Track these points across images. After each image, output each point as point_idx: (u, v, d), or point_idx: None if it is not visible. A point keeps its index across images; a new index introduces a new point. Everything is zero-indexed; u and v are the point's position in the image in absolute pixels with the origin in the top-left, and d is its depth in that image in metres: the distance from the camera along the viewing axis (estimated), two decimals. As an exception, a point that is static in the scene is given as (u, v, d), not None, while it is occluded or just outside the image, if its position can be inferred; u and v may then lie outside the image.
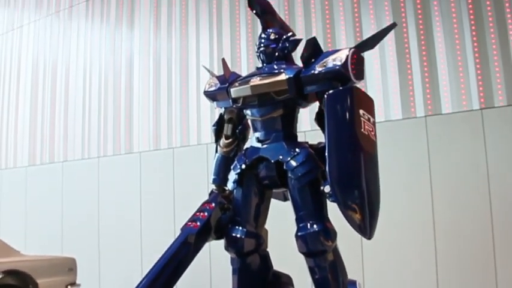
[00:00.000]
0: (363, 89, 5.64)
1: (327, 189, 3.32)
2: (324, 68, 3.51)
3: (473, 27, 5.95)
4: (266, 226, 3.91)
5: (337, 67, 3.45)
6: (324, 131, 3.43)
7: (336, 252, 3.59)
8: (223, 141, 4.06)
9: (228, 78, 3.97)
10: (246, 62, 7.67)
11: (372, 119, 3.44)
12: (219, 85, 4.02)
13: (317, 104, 3.74)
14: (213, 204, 3.72)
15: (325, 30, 6.98)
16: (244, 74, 4.14)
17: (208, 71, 4.29)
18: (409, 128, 6.20)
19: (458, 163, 5.85)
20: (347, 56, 3.45)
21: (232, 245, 3.73)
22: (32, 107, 10.82)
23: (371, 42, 3.67)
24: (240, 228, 3.73)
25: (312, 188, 3.54)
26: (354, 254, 6.14)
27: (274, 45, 3.80)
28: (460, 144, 5.87)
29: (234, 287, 3.80)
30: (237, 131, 4.05)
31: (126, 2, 9.41)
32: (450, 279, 5.78)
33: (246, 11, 7.62)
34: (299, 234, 3.54)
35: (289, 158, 3.59)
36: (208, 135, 7.65)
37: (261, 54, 3.85)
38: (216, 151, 4.13)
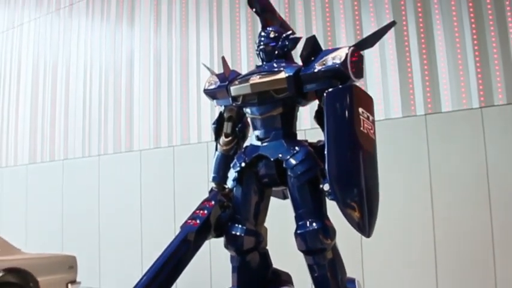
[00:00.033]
0: (363, 87, 5.67)
1: (326, 187, 3.32)
2: (323, 66, 3.51)
3: (473, 26, 5.95)
4: (266, 224, 3.91)
5: (337, 65, 3.45)
6: (323, 129, 3.44)
7: (335, 250, 3.60)
8: (223, 139, 4.06)
9: (227, 77, 3.97)
10: (246, 60, 7.67)
11: (371, 117, 3.44)
12: (218, 83, 4.03)
13: (317, 102, 3.74)
14: (213, 202, 3.73)
15: (325, 28, 6.98)
16: (244, 72, 4.14)
17: (208, 69, 4.30)
18: (409, 126, 6.20)
19: (458, 161, 5.86)
20: (346, 54, 3.45)
21: (232, 242, 3.74)
22: (32, 104, 10.84)
23: (370, 41, 3.67)
24: (240, 226, 3.74)
25: (311, 186, 3.55)
26: (354, 252, 6.15)
27: (273, 44, 3.81)
28: (459, 143, 5.87)
29: (233, 284, 3.80)
30: (237, 129, 4.06)
31: (127, 0, 9.41)
32: (449, 277, 5.79)
33: (246, 9, 7.63)
34: (298, 232, 3.55)
35: (288, 156, 3.60)
36: (209, 133, 7.65)
37: (260, 53, 3.85)
38: (216, 149, 4.14)
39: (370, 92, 6.01)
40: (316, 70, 3.54)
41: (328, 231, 3.51)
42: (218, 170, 4.05)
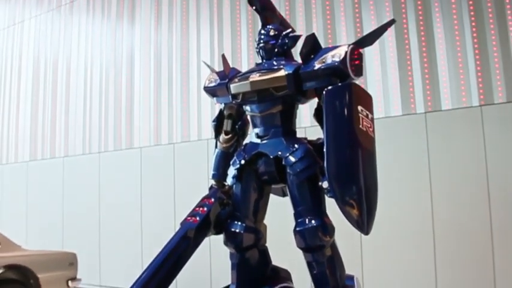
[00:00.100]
0: (363, 85, 5.69)
1: (325, 184, 3.33)
2: (323, 64, 3.52)
3: (473, 24, 5.95)
4: (265, 221, 3.93)
5: (336, 63, 3.46)
6: (322, 127, 3.45)
7: (333, 247, 3.61)
8: (222, 136, 4.07)
9: (227, 74, 3.98)
10: (246, 58, 7.68)
11: (370, 116, 3.44)
12: (218, 81, 4.04)
13: (316, 100, 3.75)
14: (213, 200, 3.74)
15: (325, 26, 6.99)
16: (244, 70, 4.15)
17: (209, 66, 4.31)
18: (409, 124, 6.21)
19: (458, 159, 5.86)
20: (346, 53, 3.46)
21: (232, 239, 3.75)
22: (33, 102, 10.85)
23: (370, 39, 3.67)
24: (239, 223, 3.75)
25: (311, 184, 3.56)
26: (353, 249, 6.17)
27: (273, 42, 3.82)
28: (459, 141, 5.88)
29: (233, 281, 3.81)
30: (237, 126, 4.07)
31: (127, -3, 9.43)
32: (449, 274, 5.80)
33: (246, 7, 7.63)
34: (297, 229, 3.56)
35: (288, 154, 3.61)
36: (209, 130, 7.66)
37: (260, 50, 3.86)
38: (216, 147, 4.15)
39: (370, 90, 6.06)
40: (315, 68, 3.54)
41: (327, 228, 3.52)
42: (218, 168, 4.06)
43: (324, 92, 3.41)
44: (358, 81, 3.65)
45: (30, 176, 10.58)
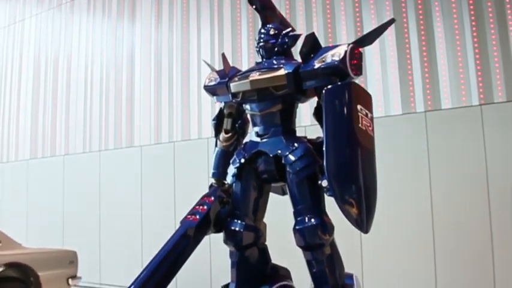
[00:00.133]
0: (363, 84, 5.70)
1: (324, 183, 3.34)
2: (322, 64, 3.52)
3: (473, 23, 5.96)
4: (265, 220, 3.94)
5: (336, 62, 3.46)
6: (322, 126, 3.46)
7: (333, 245, 3.62)
8: (223, 135, 4.07)
9: (227, 73, 3.98)
10: (246, 57, 7.69)
11: (369, 115, 3.45)
12: (218, 80, 4.04)
13: (316, 99, 3.75)
14: (213, 198, 3.74)
15: (326, 26, 7.00)
16: (244, 69, 4.16)
17: (209, 65, 4.31)
18: (409, 123, 6.22)
19: (457, 158, 5.88)
20: (345, 52, 3.47)
21: (231, 238, 3.76)
22: (33, 100, 10.86)
23: (369, 38, 3.68)
24: (239, 221, 3.75)
25: (310, 182, 3.57)
26: (353, 248, 6.18)
27: (273, 41, 3.83)
28: (459, 140, 5.89)
29: (232, 279, 3.82)
30: (237, 125, 4.07)
31: (128, -4, 9.44)
32: (448, 273, 5.81)
33: (246, 6, 7.63)
34: (297, 228, 3.57)
35: (287, 153, 3.61)
36: (209, 129, 7.67)
37: (260, 49, 3.87)
38: (216, 145, 4.15)
39: (370, 89, 6.08)
40: (315, 67, 3.55)
41: (326, 227, 3.53)
42: (218, 166, 4.07)
43: (324, 91, 3.42)
44: (358, 80, 3.65)
45: (31, 174, 10.60)
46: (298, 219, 3.58)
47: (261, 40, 3.85)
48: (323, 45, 3.75)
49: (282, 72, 3.64)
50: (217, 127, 4.13)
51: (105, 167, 9.26)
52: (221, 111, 4.14)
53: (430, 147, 6.05)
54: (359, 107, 3.38)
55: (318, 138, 3.72)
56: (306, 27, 7.03)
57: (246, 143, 3.92)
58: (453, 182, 5.87)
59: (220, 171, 4.03)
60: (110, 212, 8.98)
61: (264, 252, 3.90)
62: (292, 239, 3.62)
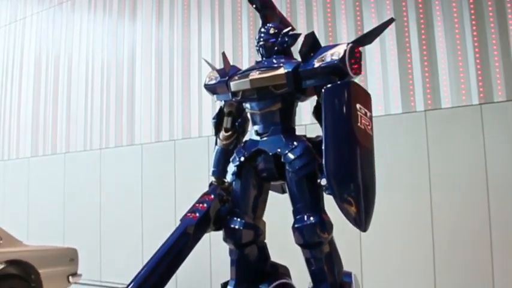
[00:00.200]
0: (363, 83, 5.71)
1: (323, 182, 3.35)
2: (322, 63, 3.53)
3: (473, 22, 5.97)
4: (264, 218, 3.95)
5: (335, 62, 3.47)
6: (321, 125, 3.47)
7: (332, 244, 3.63)
8: (222, 134, 4.08)
9: (228, 72, 4.00)
10: (247, 56, 7.70)
11: (368, 114, 3.46)
12: (219, 78, 4.05)
13: (316, 97, 3.76)
14: (212, 196, 3.75)
15: (326, 25, 7.01)
16: (245, 67, 4.18)
17: (209, 64, 4.33)
18: (409, 122, 6.24)
19: (457, 157, 5.89)
20: (345, 51, 3.47)
21: (231, 236, 3.77)
22: (34, 98, 10.88)
23: (369, 37, 3.68)
24: (239, 219, 3.76)
25: (309, 181, 3.58)
26: (352, 246, 6.20)
27: (273, 40, 3.84)
28: (459, 139, 5.91)
29: (232, 277, 3.84)
30: (237, 124, 4.08)
31: (129, -6, 9.45)
32: (447, 272, 5.83)
33: (247, 5, 7.63)
34: (296, 226, 3.58)
35: (287, 151, 3.63)
36: (210, 127, 7.67)
37: (260, 48, 3.88)
38: (216, 144, 4.17)
39: (370, 88, 6.10)
40: (315, 66, 3.56)
41: (325, 225, 3.54)
42: (218, 164, 4.09)
43: (323, 90, 3.43)
44: (358, 79, 3.67)
45: (32, 172, 10.62)
46: (297, 217, 3.59)
47: (261, 39, 3.86)
48: (323, 44, 3.76)
49: (281, 71, 3.65)
50: (217, 125, 4.14)
51: (106, 164, 9.28)
52: (221, 109, 4.15)
53: (429, 146, 6.06)
54: (358, 106, 3.40)
55: (318, 137, 3.73)
56: (307, 27, 7.04)
57: (246, 141, 3.94)
58: (453, 180, 5.89)
59: (220, 170, 4.05)
60: (111, 209, 9.00)
61: (263, 250, 3.92)
62: (292, 237, 3.64)
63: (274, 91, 3.67)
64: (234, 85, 3.86)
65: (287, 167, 3.64)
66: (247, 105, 3.90)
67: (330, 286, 3.58)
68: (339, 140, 3.38)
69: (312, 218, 3.54)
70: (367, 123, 3.44)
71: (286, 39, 3.86)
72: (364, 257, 6.28)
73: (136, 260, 7.67)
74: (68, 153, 10.00)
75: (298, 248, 3.66)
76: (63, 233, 9.60)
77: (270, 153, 3.70)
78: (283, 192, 3.97)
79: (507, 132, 5.66)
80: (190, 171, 7.91)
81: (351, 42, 3.59)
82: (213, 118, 4.19)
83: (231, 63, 4.12)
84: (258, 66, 3.84)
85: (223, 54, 4.08)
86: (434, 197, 5.96)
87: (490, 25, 5.87)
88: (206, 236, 3.80)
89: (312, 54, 3.63)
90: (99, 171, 9.32)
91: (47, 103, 10.60)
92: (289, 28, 3.95)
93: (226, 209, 3.81)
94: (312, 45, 3.66)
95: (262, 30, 3.91)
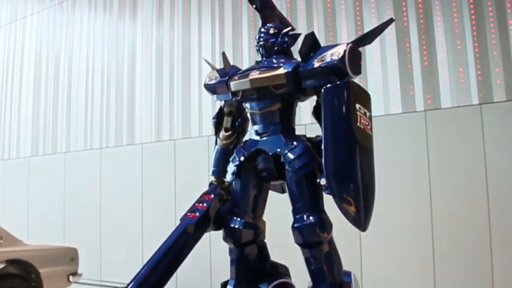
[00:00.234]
0: (363, 83, 5.72)
1: (323, 181, 3.36)
2: (322, 63, 3.54)
3: (473, 22, 5.98)
4: (264, 217, 3.96)
5: (335, 62, 3.48)
6: (321, 125, 3.48)
7: (331, 243, 3.64)
8: (222, 133, 4.09)
9: (228, 72, 4.01)
10: (247, 55, 7.70)
11: (368, 113, 3.47)
12: (219, 78, 4.06)
13: (315, 97, 3.77)
14: (212, 196, 3.76)
15: (326, 25, 7.01)
16: (246, 67, 4.18)
17: (209, 64, 4.33)
18: (409, 122, 6.24)
19: (457, 157, 5.89)
20: (345, 51, 3.48)
21: (231, 235, 3.78)
22: (35, 97, 10.89)
23: (369, 38, 3.70)
24: (238, 219, 3.77)
25: (309, 181, 3.59)
26: (352, 245, 6.20)
27: (273, 40, 3.85)
28: (458, 139, 5.91)
29: (232, 276, 3.84)
30: (237, 123, 4.08)
31: (129, -6, 9.46)
32: (447, 271, 5.84)
33: (247, 4, 7.64)
34: (295, 225, 3.59)
35: (286, 151, 3.64)
36: (210, 127, 7.66)
37: (260, 48, 3.89)
38: (216, 143, 4.18)
39: (370, 88, 6.11)
40: (314, 66, 3.57)
41: (324, 224, 3.55)
42: (218, 164, 4.10)
43: (322, 90, 3.43)
44: (358, 79, 3.67)
45: (32, 172, 10.63)
46: (297, 217, 3.60)
47: (261, 39, 3.87)
48: (323, 44, 3.77)
49: (281, 71, 3.66)
50: (217, 125, 4.15)
51: (106, 164, 9.29)
52: (221, 109, 4.16)
53: (429, 146, 6.07)
54: (357, 105, 3.40)
55: (317, 136, 3.73)
56: (307, 27, 7.04)
57: (246, 141, 3.94)
58: (452, 180, 5.90)
59: (220, 169, 4.06)
60: (111, 209, 9.01)
61: (263, 249, 3.92)
62: (291, 236, 3.65)
63: (274, 91, 3.68)
64: (234, 85, 3.87)
65: (287, 167, 3.64)
66: (247, 105, 3.90)
67: (329, 285, 3.59)
68: (338, 139, 3.38)
69: (311, 218, 3.54)
70: (367, 123, 3.44)
71: (286, 39, 3.87)
72: (364, 257, 6.28)
73: (136, 259, 7.68)
74: (68, 152, 10.01)
75: (298, 248, 3.66)
76: (64, 232, 9.61)
77: (270, 153, 3.70)
78: (283, 191, 3.98)
79: (507, 132, 5.67)
80: (190, 171, 7.92)
81: (351, 43, 3.60)
82: (213, 118, 4.20)
83: (231, 63, 4.12)
84: (258, 66, 3.85)
85: (223, 54, 4.09)
86: (434, 197, 5.97)
87: (490, 25, 5.88)
88: (206, 236, 3.80)
89: (311, 54, 3.64)
90: (100, 171, 9.32)
91: (47, 102, 10.61)
92: (289, 28, 3.96)
93: (226, 208, 3.82)
94: (312, 45, 3.66)
95: (262, 30, 3.91)
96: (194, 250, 3.64)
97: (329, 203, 3.53)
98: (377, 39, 3.81)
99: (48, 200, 10.03)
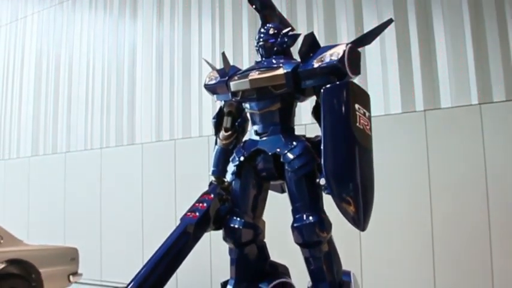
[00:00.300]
0: (363, 83, 5.72)
1: (322, 181, 3.37)
2: (321, 63, 3.55)
3: (473, 22, 5.98)
4: (263, 217, 3.97)
5: (334, 62, 3.49)
6: (320, 125, 3.49)
7: (331, 243, 3.65)
8: (222, 133, 4.11)
9: (227, 72, 4.02)
10: (247, 55, 7.71)
11: (367, 114, 3.48)
12: (219, 78, 4.08)
13: (315, 97, 3.78)
14: (212, 195, 3.77)
15: (326, 25, 7.02)
16: (246, 67, 4.19)
17: (209, 64, 4.35)
18: (409, 122, 6.24)
19: (457, 157, 5.90)
20: (344, 51, 3.49)
21: (231, 235, 3.79)
22: (35, 97, 10.90)
23: (368, 38, 3.71)
24: (238, 219, 3.79)
25: (308, 180, 3.60)
26: (352, 245, 6.21)
27: (273, 40, 3.86)
28: (458, 139, 5.91)
29: (231, 276, 3.86)
30: (236, 123, 4.10)
31: (129, -6, 9.46)
32: (447, 270, 5.84)
33: (247, 5, 7.64)
34: (295, 225, 3.61)
35: (286, 151, 3.65)
36: (210, 127, 7.65)
37: (260, 49, 3.90)
38: (216, 143, 4.19)
39: (370, 88, 6.12)
40: (314, 66, 3.58)
41: (324, 224, 3.56)
42: (218, 164, 4.11)
43: (322, 91, 3.45)
44: (358, 79, 3.68)
45: (32, 172, 10.63)
46: (297, 216, 3.62)
47: (261, 39, 3.88)
48: (323, 44, 3.78)
49: (281, 71, 3.67)
50: (217, 125, 4.17)
51: (107, 164, 9.29)
52: (221, 109, 4.18)
53: (429, 146, 6.07)
54: (357, 106, 3.42)
55: (317, 136, 3.74)
56: (307, 27, 7.05)
57: (246, 141, 3.96)
58: (452, 180, 5.89)
59: (220, 169, 4.07)
60: (111, 209, 9.02)
61: (262, 249, 3.94)
62: (291, 236, 3.65)
63: (273, 91, 3.69)
64: (233, 85, 3.88)
65: (286, 167, 3.66)
66: (246, 105, 3.92)
67: (329, 285, 3.60)
68: (337, 140, 3.40)
69: (311, 217, 3.56)
70: (366, 123, 3.46)
71: (286, 39, 3.88)
72: (364, 256, 6.29)
73: (136, 259, 7.67)
74: (69, 152, 10.02)
75: (298, 248, 3.68)
76: (64, 232, 9.62)
77: (270, 153, 3.72)
78: (283, 191, 3.99)
79: (506, 132, 5.67)
80: (191, 171, 7.92)
81: (350, 43, 3.62)
82: (213, 118, 4.22)
83: (231, 63, 4.14)
84: (257, 66, 3.87)
85: (223, 54, 4.10)
86: (434, 197, 5.97)
87: (490, 25, 5.87)
88: (206, 235, 3.82)
89: (311, 54, 3.65)
90: (100, 171, 9.33)
91: (48, 102, 10.62)
92: (289, 28, 3.97)
93: (226, 208, 3.83)
94: (311, 46, 3.67)
95: (262, 30, 3.93)
96: (194, 250, 3.65)
97: (328, 202, 3.54)
98: (377, 40, 3.83)
99: (49, 199, 10.03)
